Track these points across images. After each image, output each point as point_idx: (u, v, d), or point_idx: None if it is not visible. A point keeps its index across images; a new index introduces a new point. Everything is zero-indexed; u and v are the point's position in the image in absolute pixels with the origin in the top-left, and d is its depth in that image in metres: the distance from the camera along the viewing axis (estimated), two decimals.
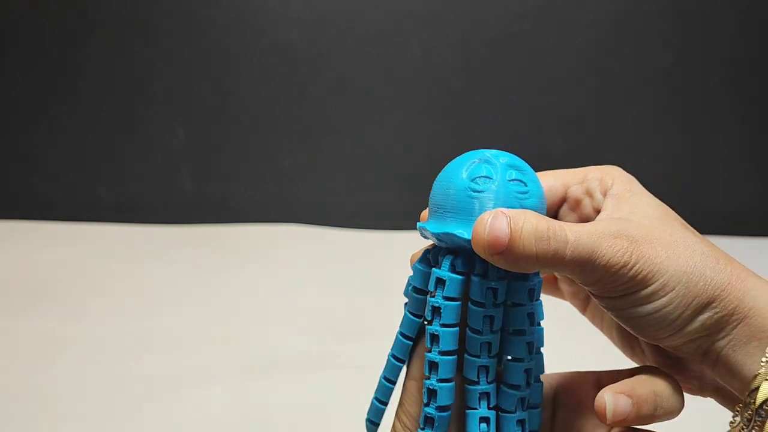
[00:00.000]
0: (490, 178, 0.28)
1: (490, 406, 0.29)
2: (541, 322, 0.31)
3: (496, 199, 0.28)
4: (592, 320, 0.36)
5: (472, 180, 0.28)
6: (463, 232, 0.28)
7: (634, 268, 0.27)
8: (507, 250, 0.26)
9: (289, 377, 0.56)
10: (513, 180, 0.28)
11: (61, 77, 0.95)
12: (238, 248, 0.88)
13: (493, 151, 0.30)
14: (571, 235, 0.26)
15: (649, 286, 0.27)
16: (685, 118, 0.97)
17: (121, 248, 0.87)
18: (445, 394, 0.29)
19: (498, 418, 0.29)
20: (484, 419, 0.29)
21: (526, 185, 0.29)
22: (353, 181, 0.97)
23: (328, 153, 0.98)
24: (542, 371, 0.31)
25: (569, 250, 0.26)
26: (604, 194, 0.32)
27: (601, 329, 0.36)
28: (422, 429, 0.29)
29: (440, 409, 0.29)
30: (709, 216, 0.98)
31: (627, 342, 0.34)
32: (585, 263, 0.26)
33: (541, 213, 0.29)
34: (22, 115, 0.97)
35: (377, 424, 0.32)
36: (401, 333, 0.31)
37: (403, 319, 0.31)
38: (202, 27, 0.93)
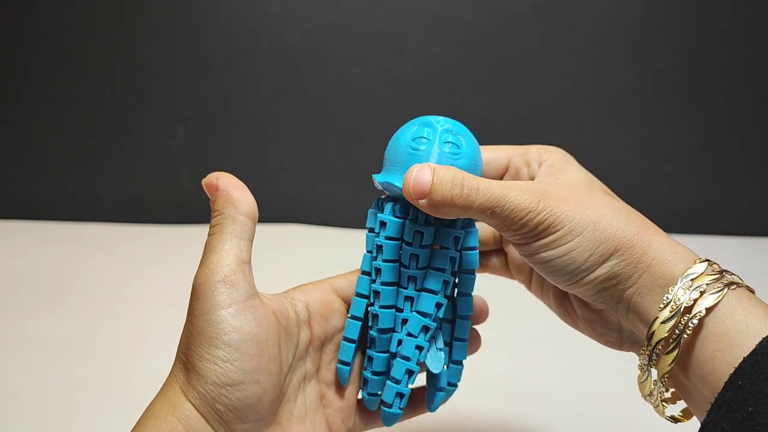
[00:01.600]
0: (428, 140, 0.33)
1: (408, 331, 0.34)
2: (476, 270, 0.36)
3: (431, 157, 0.33)
4: (535, 292, 0.41)
5: (413, 140, 0.34)
6: (399, 182, 0.33)
7: (541, 215, 0.30)
8: (428, 195, 0.31)
9: None
10: (447, 142, 0.33)
11: (61, 77, 0.95)
12: None
13: (439, 118, 0.34)
14: (483, 185, 0.31)
15: (556, 231, 0.30)
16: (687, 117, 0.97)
17: (121, 248, 0.87)
18: (386, 318, 0.34)
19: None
20: (419, 347, 0.34)
21: (459, 147, 0.33)
22: (353, 181, 0.97)
23: (327, 153, 0.98)
24: (470, 311, 0.36)
25: (479, 195, 0.30)
26: (539, 165, 0.37)
27: (541, 297, 0.40)
28: (369, 348, 0.35)
29: (381, 331, 0.34)
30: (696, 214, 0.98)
31: (561, 305, 0.38)
32: (494, 207, 0.30)
33: (472, 171, 0.33)
34: (21, 115, 0.97)
35: (348, 363, 0.36)
36: (362, 270, 0.36)
37: (363, 258, 0.36)
38: (202, 27, 0.93)
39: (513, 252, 0.41)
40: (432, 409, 0.37)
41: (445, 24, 0.93)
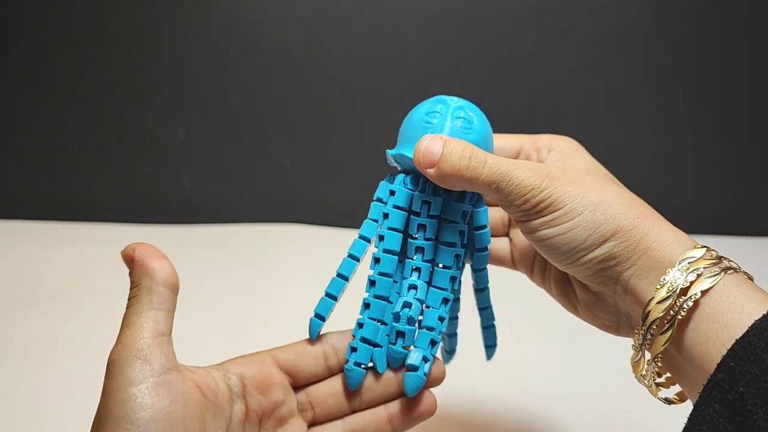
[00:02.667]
0: (441, 114, 0.35)
1: (416, 297, 0.35)
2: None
3: (442, 129, 0.34)
4: (537, 281, 0.41)
5: (427, 114, 0.35)
6: (410, 153, 0.34)
7: (544, 192, 0.31)
8: (437, 164, 0.32)
9: None
10: (459, 117, 0.35)
11: (61, 77, 0.95)
12: (238, 248, 0.88)
13: (453, 97, 0.36)
14: (490, 159, 0.32)
15: (557, 210, 0.31)
16: (690, 117, 0.97)
17: (121, 248, 0.87)
18: (383, 286, 0.35)
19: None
20: (407, 304, 0.35)
21: (470, 123, 0.35)
22: (353, 181, 0.97)
23: (327, 153, 0.98)
24: (485, 285, 0.39)
25: (486, 169, 0.31)
26: (549, 152, 0.38)
27: (542, 285, 0.41)
28: (361, 313, 0.36)
29: (377, 297, 0.35)
30: (706, 215, 0.98)
31: (561, 289, 0.39)
32: (499, 181, 0.31)
33: (482, 146, 0.34)
34: (21, 115, 0.97)
35: (324, 318, 0.37)
36: (360, 235, 0.36)
37: (363, 224, 0.37)
38: (201, 27, 0.93)
39: (518, 239, 0.42)
40: (447, 361, 0.41)
41: (445, 24, 0.93)
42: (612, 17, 0.93)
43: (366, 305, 0.36)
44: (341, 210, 0.97)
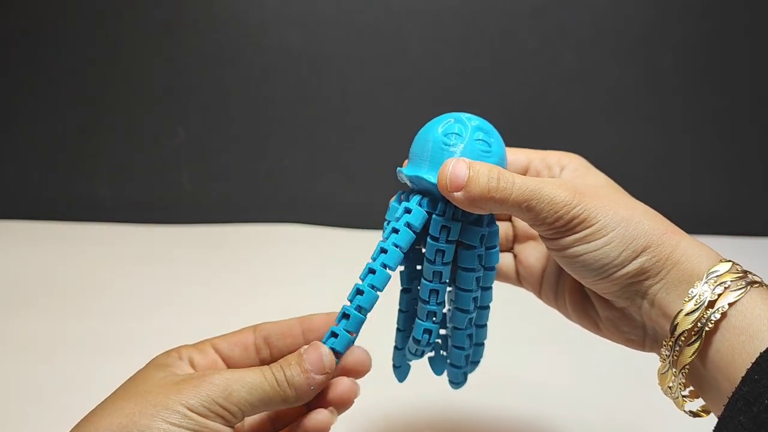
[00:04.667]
0: (461, 136, 0.34)
1: (435, 321, 0.35)
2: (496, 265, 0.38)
3: (463, 153, 0.33)
4: (547, 300, 0.40)
5: (446, 135, 0.34)
6: (430, 177, 0.33)
7: (576, 209, 0.31)
8: (465, 187, 0.31)
9: None
10: (479, 140, 0.34)
11: (61, 77, 0.95)
12: (238, 248, 0.88)
13: (468, 115, 0.35)
14: (519, 179, 0.31)
15: (591, 226, 0.31)
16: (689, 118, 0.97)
17: (121, 248, 0.87)
18: (368, 298, 0.34)
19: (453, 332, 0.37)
20: (427, 331, 0.35)
21: (489, 146, 0.34)
22: (353, 181, 0.97)
23: (328, 153, 0.98)
24: (490, 301, 0.39)
25: (516, 188, 0.31)
26: (561, 170, 0.37)
27: (554, 305, 0.40)
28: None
29: (359, 310, 0.35)
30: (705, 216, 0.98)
31: (579, 308, 0.38)
32: (530, 199, 0.31)
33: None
34: (21, 115, 0.97)
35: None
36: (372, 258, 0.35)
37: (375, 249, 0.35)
38: (201, 27, 0.93)
39: (523, 256, 0.41)
40: (438, 373, 0.41)
41: (445, 24, 0.93)
42: (612, 17, 0.93)
43: (345, 316, 0.35)
44: (341, 210, 0.97)
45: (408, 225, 0.34)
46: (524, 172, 0.39)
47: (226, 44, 0.94)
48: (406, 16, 0.93)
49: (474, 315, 0.37)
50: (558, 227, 0.32)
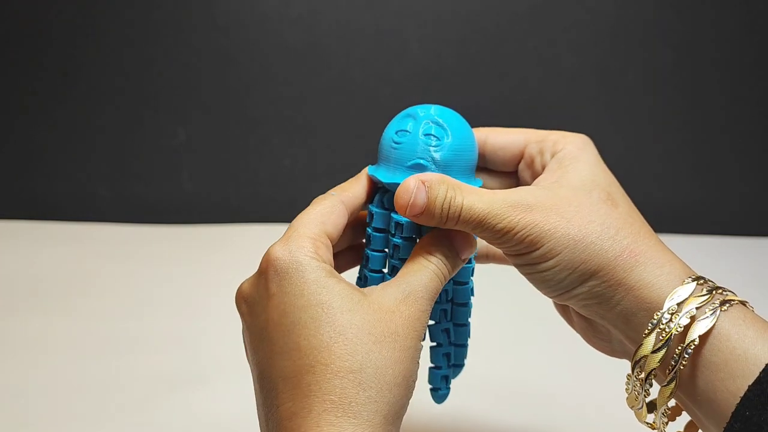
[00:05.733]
0: (409, 133, 0.34)
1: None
2: (478, 260, 0.38)
3: (411, 150, 0.33)
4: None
5: (396, 133, 0.34)
6: (384, 176, 0.34)
7: (521, 233, 0.30)
8: (423, 214, 0.31)
9: None
10: (428, 135, 0.33)
11: (61, 77, 0.95)
12: (238, 248, 0.88)
13: (428, 107, 0.34)
14: (467, 202, 0.30)
15: (537, 249, 0.30)
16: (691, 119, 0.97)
17: (121, 248, 0.87)
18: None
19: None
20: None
21: (440, 139, 0.33)
22: None
23: (328, 153, 0.98)
24: (470, 297, 0.38)
25: (464, 214, 0.30)
26: (552, 155, 0.36)
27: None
28: None
29: None
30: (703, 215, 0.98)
31: (561, 306, 0.38)
32: (477, 225, 0.31)
33: (456, 161, 0.33)
34: (21, 115, 0.97)
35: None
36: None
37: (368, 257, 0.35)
38: (201, 27, 0.93)
39: None
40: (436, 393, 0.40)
41: (445, 24, 0.93)
42: (612, 17, 0.93)
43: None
44: None
45: (375, 230, 0.35)
46: (519, 156, 0.38)
47: (226, 44, 0.94)
48: (406, 16, 0.93)
49: (448, 307, 0.36)
50: (511, 247, 0.31)
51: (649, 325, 0.28)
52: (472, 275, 0.37)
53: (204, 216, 0.97)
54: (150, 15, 0.93)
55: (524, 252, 0.31)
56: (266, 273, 0.31)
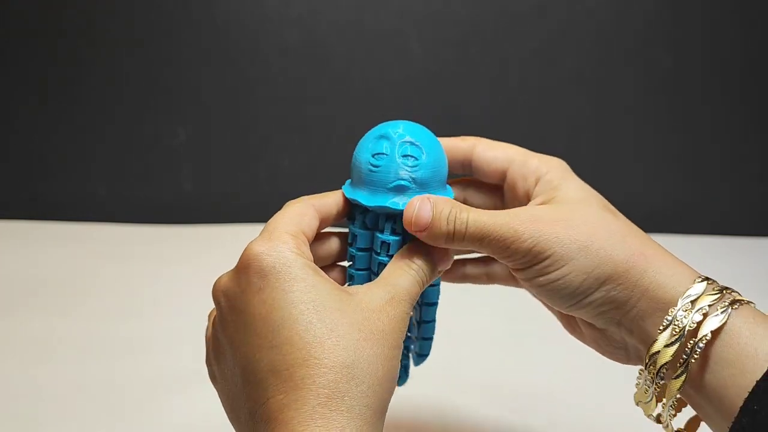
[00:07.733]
0: (387, 155, 0.34)
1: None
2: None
3: (391, 173, 0.34)
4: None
5: (373, 156, 0.35)
6: (367, 200, 0.34)
7: (528, 241, 0.30)
8: (428, 230, 0.32)
9: None
10: (406, 156, 0.34)
11: (61, 77, 0.95)
12: (238, 248, 0.88)
13: (398, 126, 0.35)
14: (472, 218, 0.31)
15: (547, 258, 0.31)
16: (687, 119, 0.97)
17: (121, 248, 0.87)
18: None
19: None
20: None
21: (418, 159, 0.34)
22: None
23: (328, 153, 0.98)
24: (437, 297, 0.39)
25: (468, 228, 0.31)
26: (536, 181, 0.36)
27: (551, 310, 0.39)
28: None
29: None
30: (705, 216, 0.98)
31: (567, 321, 0.38)
32: (481, 239, 0.31)
33: (433, 178, 0.34)
34: (22, 115, 0.97)
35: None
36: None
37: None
38: (201, 27, 0.93)
39: None
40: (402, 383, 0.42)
41: (445, 24, 0.93)
42: (612, 17, 0.93)
43: None
44: None
45: (360, 249, 0.36)
46: (502, 174, 0.38)
47: (226, 44, 0.94)
48: (406, 16, 0.93)
49: (418, 307, 0.38)
50: (518, 260, 0.31)
51: (664, 321, 0.29)
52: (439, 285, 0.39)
53: (204, 216, 0.97)
54: (150, 15, 0.93)
55: (533, 263, 0.31)
56: (248, 269, 0.32)
